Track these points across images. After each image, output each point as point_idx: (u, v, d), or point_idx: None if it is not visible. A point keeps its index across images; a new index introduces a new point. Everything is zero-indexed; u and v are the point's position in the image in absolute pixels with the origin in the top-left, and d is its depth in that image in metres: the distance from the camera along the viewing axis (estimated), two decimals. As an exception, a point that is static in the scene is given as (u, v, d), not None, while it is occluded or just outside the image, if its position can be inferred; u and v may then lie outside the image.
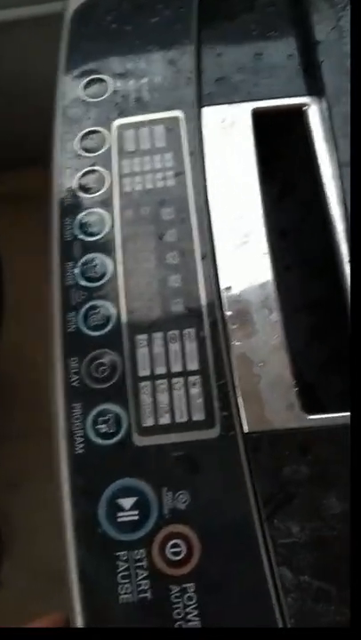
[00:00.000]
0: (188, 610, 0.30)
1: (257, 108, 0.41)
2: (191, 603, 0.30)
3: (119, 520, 0.32)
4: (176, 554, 0.31)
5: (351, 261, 0.34)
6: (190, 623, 0.30)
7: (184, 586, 0.30)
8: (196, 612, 0.30)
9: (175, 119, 0.41)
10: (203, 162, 0.39)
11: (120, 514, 0.32)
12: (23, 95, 0.96)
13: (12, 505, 0.93)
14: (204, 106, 0.41)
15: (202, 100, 0.41)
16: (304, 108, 0.40)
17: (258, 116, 0.40)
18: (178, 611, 0.30)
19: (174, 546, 0.31)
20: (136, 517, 0.31)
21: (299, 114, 0.40)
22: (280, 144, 0.43)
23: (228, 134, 0.40)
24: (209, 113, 0.41)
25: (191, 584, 0.30)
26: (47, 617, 0.33)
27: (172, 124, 0.40)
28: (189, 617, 0.30)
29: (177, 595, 0.30)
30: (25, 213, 0.83)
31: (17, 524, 0.93)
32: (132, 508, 0.32)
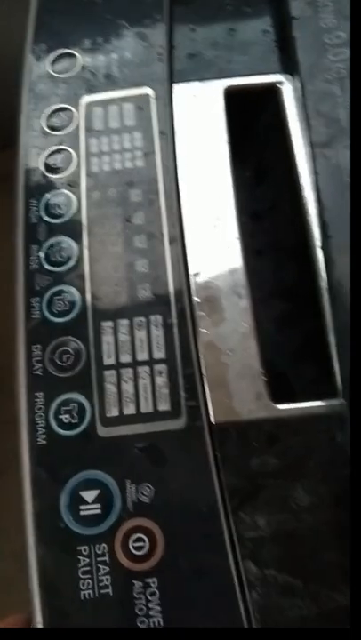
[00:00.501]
0: (150, 606, 0.29)
1: (230, 86, 0.39)
2: (154, 598, 0.29)
3: (81, 513, 0.31)
4: (139, 548, 0.30)
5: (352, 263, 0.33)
6: (152, 619, 0.29)
7: (147, 581, 0.29)
8: (158, 609, 0.29)
9: (145, 96, 0.39)
10: (173, 142, 0.38)
11: (82, 507, 0.31)
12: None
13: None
14: (175, 83, 0.40)
15: (173, 77, 0.40)
16: (278, 86, 0.39)
17: (230, 94, 0.39)
18: (140, 607, 0.29)
19: (137, 540, 0.30)
20: (99, 511, 0.31)
21: (272, 92, 0.39)
22: (253, 123, 0.42)
23: (200, 113, 0.39)
24: (180, 90, 0.39)
25: (154, 579, 0.29)
26: (8, 618, 0.32)
27: (141, 102, 0.39)
28: (152, 613, 0.29)
29: (139, 590, 0.29)
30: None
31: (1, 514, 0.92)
32: (94, 502, 0.31)
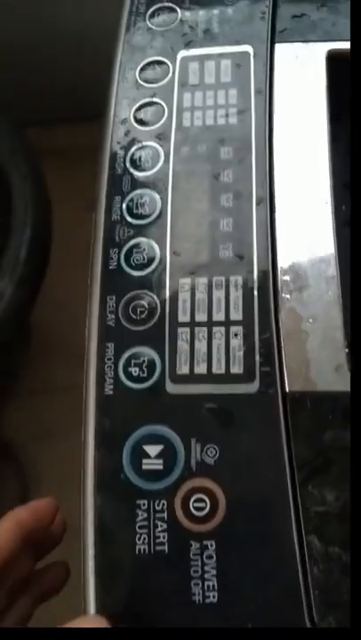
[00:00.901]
0: (206, 569, 0.28)
1: (332, 50, 0.37)
2: (210, 562, 0.28)
3: (143, 468, 0.30)
4: (199, 509, 0.29)
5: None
6: (207, 582, 0.28)
7: (205, 543, 0.28)
8: (213, 572, 0.28)
9: (245, 54, 0.38)
10: (270, 101, 0.36)
11: (145, 461, 0.30)
12: (79, 44, 0.94)
13: (42, 458, 0.94)
14: (277, 42, 0.38)
15: (275, 37, 0.38)
16: (387, 52, 0.37)
17: (333, 57, 0.37)
18: (195, 568, 0.28)
19: (198, 500, 0.29)
20: (161, 467, 0.30)
21: (380, 57, 0.37)
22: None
23: (300, 74, 0.37)
24: (281, 50, 0.38)
25: (212, 542, 0.28)
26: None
27: (240, 60, 0.38)
28: (207, 576, 0.28)
29: (196, 552, 0.28)
30: (76, 169, 0.81)
31: (45, 478, 0.93)
32: (157, 457, 0.30)
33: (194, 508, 0.29)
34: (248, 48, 0.38)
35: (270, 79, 0.37)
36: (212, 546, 0.28)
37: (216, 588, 0.28)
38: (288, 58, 0.38)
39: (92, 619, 0.28)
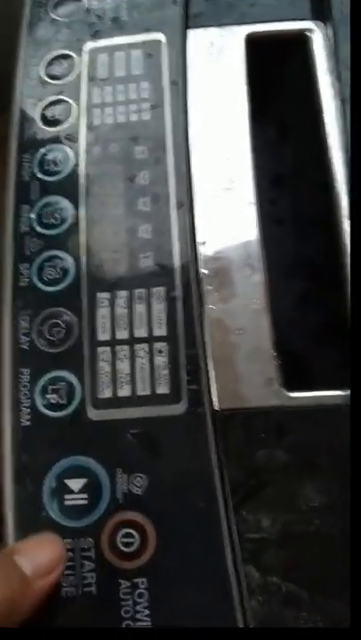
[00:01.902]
0: (137, 609, 0.26)
1: (252, 33, 0.35)
2: (142, 601, 0.26)
3: (66, 503, 0.28)
4: (128, 544, 0.27)
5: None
6: (139, 623, 0.26)
7: (135, 581, 0.26)
8: (146, 612, 0.26)
9: (156, 43, 0.35)
10: (185, 94, 0.34)
11: (67, 496, 0.28)
12: None
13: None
14: (190, 28, 0.35)
15: (188, 22, 0.36)
16: (307, 34, 0.34)
17: (252, 42, 0.35)
18: (126, 609, 0.26)
19: (127, 535, 0.27)
20: (85, 501, 0.28)
21: (300, 41, 0.35)
22: (277, 76, 0.37)
23: (217, 62, 0.35)
24: (196, 37, 0.35)
25: (143, 579, 0.26)
26: None
27: (152, 49, 0.35)
28: (139, 616, 0.26)
29: (126, 591, 0.26)
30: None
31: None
32: (81, 491, 0.28)
33: (122, 543, 0.27)
34: (160, 36, 0.35)
35: (184, 69, 0.34)
36: (143, 584, 0.26)
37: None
38: (203, 44, 0.35)
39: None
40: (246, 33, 0.35)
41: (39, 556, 0.25)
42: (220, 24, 0.35)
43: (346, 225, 0.31)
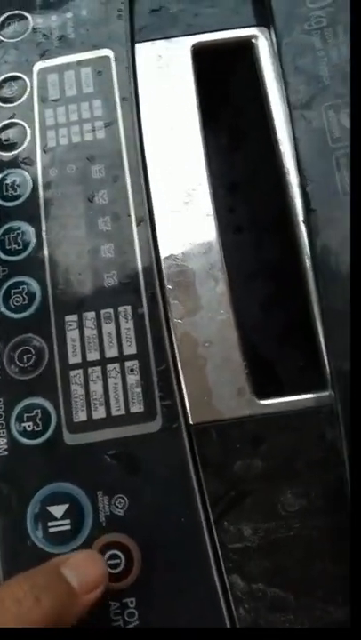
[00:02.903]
0: (128, 628, 0.27)
1: (198, 43, 0.35)
2: (132, 620, 0.27)
3: (50, 530, 0.28)
4: (114, 566, 0.27)
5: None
6: (132, 643, 0.26)
7: (124, 601, 0.27)
8: (138, 631, 0.26)
9: (105, 59, 0.35)
10: (137, 109, 0.34)
11: (51, 523, 0.28)
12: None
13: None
14: (137, 42, 0.35)
15: (135, 36, 0.36)
16: (252, 41, 0.35)
17: (199, 52, 0.35)
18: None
19: (112, 557, 0.27)
20: (69, 527, 0.28)
21: (246, 48, 0.35)
22: (226, 84, 0.38)
23: (166, 75, 0.35)
24: (143, 50, 0.35)
25: (132, 599, 0.27)
26: None
27: (101, 66, 0.35)
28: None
29: (117, 611, 0.27)
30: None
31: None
32: (63, 517, 0.28)
33: (109, 565, 0.27)
34: (108, 52, 0.35)
35: (135, 84, 0.34)
36: (132, 603, 0.27)
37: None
38: (151, 58, 0.35)
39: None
40: (192, 43, 0.35)
41: (86, 572, 0.25)
42: (166, 36, 0.35)
43: (300, 227, 0.31)
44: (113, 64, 0.35)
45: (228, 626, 0.26)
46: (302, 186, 0.31)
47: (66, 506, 0.28)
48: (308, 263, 0.31)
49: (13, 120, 0.35)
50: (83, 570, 0.25)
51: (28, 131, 0.34)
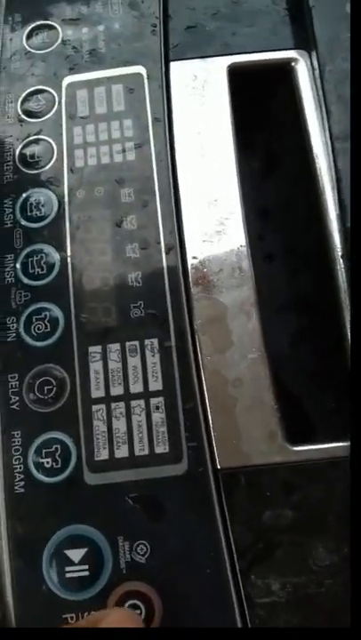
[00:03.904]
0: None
1: (234, 64, 0.34)
2: None
3: (67, 576, 0.26)
4: (134, 617, 0.26)
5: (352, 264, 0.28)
6: None
7: (145, 656, 0.25)
8: None
9: (137, 76, 0.34)
10: (170, 130, 0.33)
11: (68, 568, 0.27)
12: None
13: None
14: (171, 60, 0.34)
15: (169, 54, 0.34)
16: (291, 64, 0.33)
17: (235, 73, 0.34)
18: None
19: (132, 607, 0.26)
20: (87, 573, 0.26)
21: (285, 71, 0.33)
22: (262, 108, 0.36)
23: (200, 96, 0.33)
24: (178, 69, 0.34)
25: (153, 654, 0.25)
26: None
27: (133, 83, 0.33)
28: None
29: (136, 667, 0.25)
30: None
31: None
32: (81, 562, 0.27)
33: (128, 616, 0.26)
34: (140, 69, 0.34)
35: (168, 104, 0.33)
36: (153, 659, 0.25)
37: None
38: (186, 77, 0.34)
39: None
40: (229, 64, 0.34)
41: None
42: (201, 55, 0.34)
43: (338, 258, 0.30)
44: (145, 82, 0.33)
45: None
46: (342, 218, 0.29)
47: (84, 550, 0.27)
48: (344, 299, 0.29)
49: (40, 136, 0.33)
50: None
51: (55, 148, 0.33)
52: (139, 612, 0.26)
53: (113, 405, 0.28)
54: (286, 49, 0.34)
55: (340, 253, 0.30)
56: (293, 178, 0.35)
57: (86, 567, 0.26)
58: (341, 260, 0.30)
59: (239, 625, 0.26)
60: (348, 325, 0.29)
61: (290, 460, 0.27)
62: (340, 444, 0.28)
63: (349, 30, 0.31)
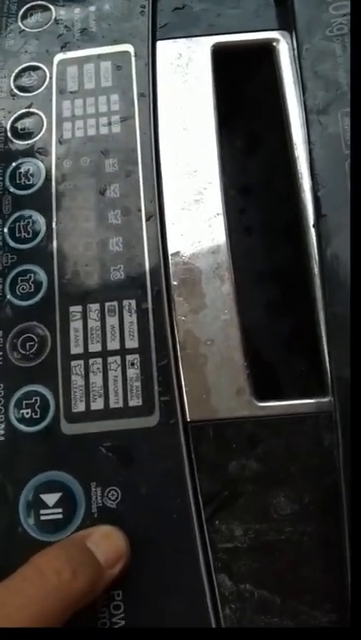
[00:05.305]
0: (113, 620, 0.27)
1: (218, 44, 0.35)
2: (118, 612, 0.27)
3: (42, 518, 0.28)
4: (103, 558, 0.27)
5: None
6: (116, 635, 0.26)
7: (111, 593, 0.27)
8: (122, 623, 0.27)
9: (125, 54, 0.35)
10: (154, 105, 0.34)
11: (43, 511, 0.28)
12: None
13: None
14: (158, 39, 0.36)
15: (156, 33, 0.36)
16: (272, 44, 0.35)
17: (219, 52, 0.35)
18: (103, 621, 0.27)
19: (102, 548, 0.27)
20: (60, 516, 0.28)
21: (266, 51, 0.35)
22: (244, 86, 0.38)
23: (185, 73, 0.35)
24: (164, 48, 0.35)
25: (118, 592, 0.27)
26: None
27: (121, 61, 0.35)
28: (115, 627, 0.26)
29: (103, 603, 0.27)
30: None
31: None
32: (56, 505, 0.28)
33: (97, 556, 0.27)
34: (128, 47, 0.35)
35: (154, 81, 0.34)
36: (118, 595, 0.27)
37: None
38: (171, 56, 0.35)
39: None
40: (213, 43, 0.35)
41: (109, 546, 0.26)
42: (187, 35, 0.35)
43: (311, 232, 0.31)
44: (133, 59, 0.35)
45: (213, 624, 0.26)
46: (314, 191, 0.31)
47: (59, 494, 0.28)
48: (316, 269, 0.31)
49: (30, 110, 0.35)
50: (106, 544, 0.25)
51: (45, 121, 0.34)
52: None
53: (91, 361, 0.30)
54: (269, 30, 0.35)
55: (311, 223, 0.31)
56: (273, 154, 0.36)
57: (60, 510, 0.28)
58: (313, 230, 0.31)
59: (202, 568, 0.27)
60: (318, 296, 0.30)
61: (256, 414, 0.29)
62: (304, 400, 0.29)
63: (328, 10, 0.33)
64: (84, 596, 0.24)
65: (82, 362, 0.30)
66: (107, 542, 0.26)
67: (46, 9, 0.37)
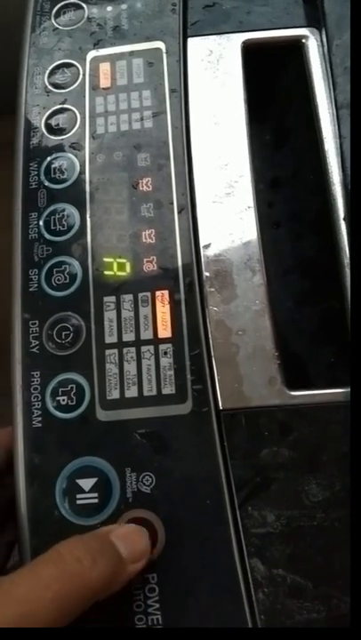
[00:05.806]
0: (148, 602, 0.27)
1: (248, 40, 0.36)
2: (153, 595, 0.27)
3: (78, 502, 0.29)
4: (138, 541, 0.28)
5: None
6: (151, 617, 0.27)
7: (146, 576, 0.28)
8: (157, 606, 0.27)
9: (157, 51, 0.36)
10: (186, 101, 0.35)
11: (79, 495, 0.29)
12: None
13: None
14: (189, 36, 0.36)
15: (187, 30, 0.36)
16: (302, 41, 0.35)
17: (249, 49, 0.36)
18: (138, 603, 0.27)
19: (137, 532, 0.28)
20: (96, 500, 0.29)
21: (296, 47, 0.35)
22: (274, 82, 0.38)
23: (216, 69, 0.35)
24: (195, 45, 0.36)
25: (153, 574, 0.27)
26: None
27: (152, 57, 0.36)
28: (150, 610, 0.27)
29: (138, 586, 0.27)
30: None
31: None
32: (91, 490, 0.29)
33: (133, 540, 0.28)
34: (160, 44, 0.36)
35: (185, 77, 0.35)
36: (153, 579, 0.27)
37: (160, 621, 0.27)
38: (202, 52, 0.36)
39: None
40: (243, 40, 0.36)
41: (133, 543, 0.26)
42: (217, 32, 0.36)
43: (341, 226, 0.32)
44: (164, 56, 0.36)
45: (246, 608, 0.27)
46: (345, 184, 0.31)
47: (94, 480, 0.29)
48: (346, 260, 0.31)
49: (64, 106, 0.36)
50: (130, 540, 0.26)
51: (79, 117, 0.35)
52: (143, 536, 0.28)
53: (125, 350, 0.31)
54: (298, 27, 0.36)
55: (341, 216, 0.32)
56: (303, 149, 0.36)
57: (96, 495, 0.29)
58: (343, 223, 0.32)
59: (235, 553, 0.27)
60: (348, 287, 0.31)
61: (287, 403, 0.29)
62: (335, 390, 0.29)
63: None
64: (103, 587, 0.24)
65: (116, 351, 0.31)
66: (130, 537, 0.27)
67: (79, 7, 0.38)
